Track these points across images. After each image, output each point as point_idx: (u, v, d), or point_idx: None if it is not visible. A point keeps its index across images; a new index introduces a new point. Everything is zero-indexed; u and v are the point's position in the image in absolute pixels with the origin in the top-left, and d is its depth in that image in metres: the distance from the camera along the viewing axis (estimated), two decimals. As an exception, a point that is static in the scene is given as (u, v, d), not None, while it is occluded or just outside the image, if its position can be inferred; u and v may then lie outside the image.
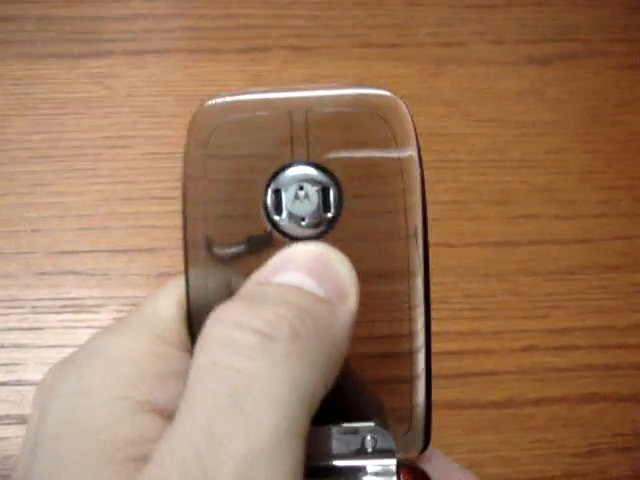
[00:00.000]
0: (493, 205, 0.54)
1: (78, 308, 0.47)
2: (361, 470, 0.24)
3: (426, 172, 0.55)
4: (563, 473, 0.45)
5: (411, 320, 0.24)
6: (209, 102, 0.24)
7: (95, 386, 0.23)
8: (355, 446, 0.24)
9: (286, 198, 0.23)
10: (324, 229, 0.23)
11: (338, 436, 0.24)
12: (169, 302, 0.25)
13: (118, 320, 0.26)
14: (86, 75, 0.57)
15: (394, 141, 0.23)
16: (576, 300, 0.50)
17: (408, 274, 0.24)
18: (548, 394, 0.47)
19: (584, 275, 0.52)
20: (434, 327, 0.48)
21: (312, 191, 0.23)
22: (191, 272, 0.24)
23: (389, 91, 0.23)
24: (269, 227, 0.24)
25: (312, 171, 0.23)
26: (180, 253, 0.49)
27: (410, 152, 0.23)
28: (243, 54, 0.60)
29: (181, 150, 0.53)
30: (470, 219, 0.53)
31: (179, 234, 0.50)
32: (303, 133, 0.23)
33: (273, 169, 0.23)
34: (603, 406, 0.47)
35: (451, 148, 0.57)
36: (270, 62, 0.60)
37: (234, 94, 0.24)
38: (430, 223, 0.52)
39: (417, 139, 0.23)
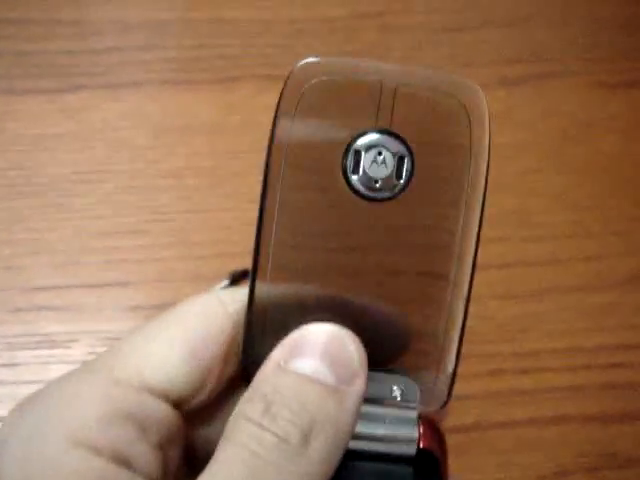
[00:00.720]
0: (462, 229, 0.55)
1: (53, 343, 0.48)
2: (383, 416, 0.26)
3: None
4: (530, 496, 0.46)
5: (456, 269, 0.27)
6: (305, 61, 0.26)
7: (47, 432, 0.24)
8: (381, 393, 0.26)
9: (365, 160, 0.25)
10: (393, 194, 0.25)
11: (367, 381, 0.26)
12: (132, 345, 0.27)
13: (84, 362, 0.28)
14: (60, 110, 0.58)
15: (469, 127, 0.25)
16: (544, 322, 0.51)
17: (459, 245, 0.26)
18: (515, 417, 0.48)
19: (552, 297, 0.52)
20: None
21: (389, 157, 0.25)
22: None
23: (475, 83, 0.26)
24: None
25: (392, 140, 0.25)
26: (151, 286, 0.50)
27: (481, 140, 0.25)
28: (216, 84, 0.61)
29: (154, 183, 0.54)
30: (439, 244, 0.54)
31: (152, 267, 0.51)
32: (390, 103, 0.25)
33: (357, 131, 0.25)
34: (570, 427, 0.48)
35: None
36: (243, 91, 0.61)
37: (330, 57, 0.26)
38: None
39: (489, 129, 0.25)
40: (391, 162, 0.25)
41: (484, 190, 0.25)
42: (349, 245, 0.26)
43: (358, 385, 0.25)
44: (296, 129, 0.25)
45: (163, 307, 0.49)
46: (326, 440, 0.23)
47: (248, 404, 0.24)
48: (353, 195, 0.25)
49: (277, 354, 0.25)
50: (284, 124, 0.25)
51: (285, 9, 0.66)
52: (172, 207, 0.54)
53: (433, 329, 0.27)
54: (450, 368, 0.27)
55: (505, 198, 0.57)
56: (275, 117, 0.25)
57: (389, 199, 0.25)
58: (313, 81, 0.25)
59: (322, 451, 0.23)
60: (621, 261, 0.54)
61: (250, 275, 0.26)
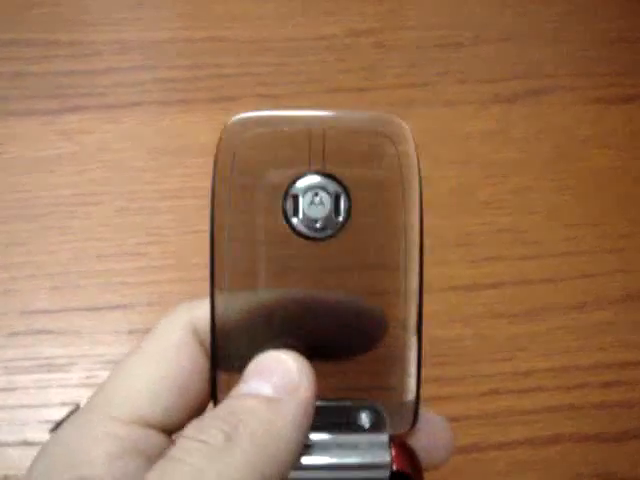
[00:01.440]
0: (457, 248, 0.55)
1: (50, 367, 0.49)
2: (354, 444, 0.27)
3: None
4: (527, 516, 0.46)
5: (405, 306, 0.27)
6: (237, 117, 0.27)
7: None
8: (349, 420, 0.27)
9: (303, 202, 0.26)
10: (334, 231, 0.26)
11: (333, 411, 0.27)
12: (123, 383, 0.28)
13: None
14: (58, 132, 0.59)
15: (397, 159, 0.26)
16: (540, 342, 0.51)
17: (404, 270, 0.27)
18: (511, 437, 0.48)
19: (548, 315, 0.53)
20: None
21: (326, 197, 0.26)
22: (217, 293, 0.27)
23: (398, 117, 0.27)
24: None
25: (327, 180, 0.26)
26: (149, 309, 0.50)
27: (410, 170, 0.27)
28: (213, 104, 0.61)
29: (152, 204, 0.54)
30: (434, 264, 0.54)
31: (150, 290, 0.52)
32: (320, 147, 0.26)
33: (293, 176, 0.27)
34: (566, 447, 0.48)
35: (418, 191, 0.58)
36: (240, 110, 0.61)
37: (258, 111, 0.27)
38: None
39: (418, 161, 0.27)
40: (328, 202, 0.26)
41: (420, 216, 0.27)
42: (295, 283, 0.27)
43: (300, 394, 0.25)
44: (235, 181, 0.26)
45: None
46: (252, 441, 0.23)
47: (186, 428, 0.25)
48: (296, 236, 0.26)
49: (235, 388, 0.26)
50: (223, 176, 0.26)
51: (281, 28, 0.66)
52: (170, 229, 0.55)
53: (391, 355, 0.28)
54: (413, 390, 0.27)
55: (500, 216, 0.57)
56: (214, 172, 0.26)
57: (331, 237, 0.27)
58: (246, 134, 0.26)
59: (248, 452, 0.23)
60: (616, 279, 0.54)
61: (209, 293, 0.27)
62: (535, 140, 0.61)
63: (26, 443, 0.46)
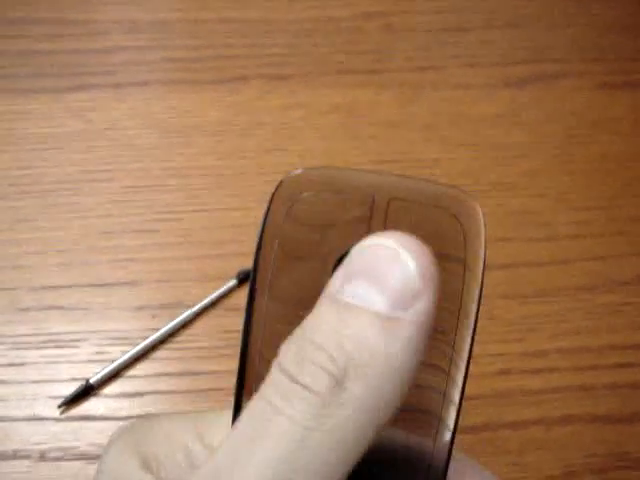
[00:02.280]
0: (469, 229, 0.55)
1: (59, 343, 0.48)
2: None
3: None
4: (539, 495, 0.46)
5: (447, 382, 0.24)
6: (295, 172, 0.24)
7: None
8: None
9: None
10: None
11: None
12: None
13: None
14: (67, 109, 0.58)
15: (463, 242, 0.23)
16: (551, 322, 0.51)
17: (451, 359, 0.23)
18: (524, 417, 0.48)
19: (559, 297, 0.52)
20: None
21: None
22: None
23: (470, 195, 0.24)
24: None
25: None
26: (157, 285, 0.50)
27: (476, 256, 0.24)
28: (221, 84, 0.61)
29: (160, 182, 0.54)
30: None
31: (158, 266, 0.51)
32: (382, 216, 0.24)
33: (351, 244, 0.23)
34: (578, 427, 0.48)
35: (428, 173, 0.58)
36: (247, 91, 0.61)
37: (320, 168, 0.24)
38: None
39: (485, 245, 0.24)
40: None
41: (477, 307, 0.24)
42: None
43: (422, 304, 0.20)
44: (285, 242, 0.24)
45: (169, 306, 0.49)
46: (367, 384, 0.19)
47: (282, 349, 0.21)
48: None
49: (328, 286, 0.22)
50: (271, 235, 0.24)
51: (291, 9, 0.66)
52: (178, 206, 0.54)
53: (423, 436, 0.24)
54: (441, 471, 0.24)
55: (511, 199, 0.57)
56: (262, 232, 0.24)
57: None
58: (303, 195, 0.24)
59: (362, 401, 0.19)
60: (628, 261, 0.54)
61: (235, 389, 0.24)
62: (545, 124, 0.61)
63: (35, 418, 0.46)
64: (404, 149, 0.59)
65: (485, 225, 0.24)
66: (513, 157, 0.59)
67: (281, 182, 0.24)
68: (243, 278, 0.51)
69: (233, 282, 0.51)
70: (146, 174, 0.56)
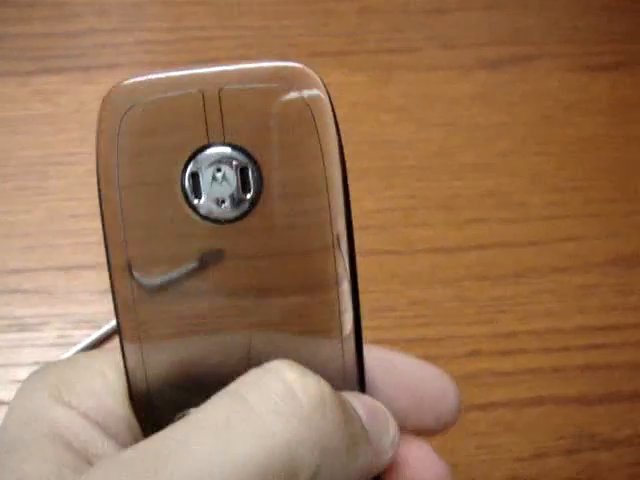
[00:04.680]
0: (441, 210, 0.54)
1: (23, 327, 0.48)
2: None
3: (374, 179, 0.55)
4: (508, 478, 0.46)
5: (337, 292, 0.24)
6: (120, 83, 0.23)
7: None
8: None
9: (204, 181, 0.23)
10: (246, 209, 0.23)
11: None
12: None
13: None
14: (35, 92, 0.58)
15: (312, 117, 0.22)
16: (523, 304, 0.51)
17: (332, 250, 0.23)
18: (493, 399, 0.47)
19: (532, 278, 0.52)
20: (381, 336, 0.48)
21: (230, 172, 0.23)
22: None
23: (305, 65, 0.23)
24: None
25: (228, 151, 0.23)
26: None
27: (327, 126, 0.23)
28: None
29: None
30: (418, 225, 0.53)
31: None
32: (217, 112, 0.22)
33: (188, 152, 0.23)
34: (548, 409, 0.47)
35: (401, 154, 0.57)
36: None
37: (143, 75, 0.23)
38: (377, 230, 0.52)
39: (334, 111, 0.23)
40: (233, 177, 0.23)
41: (342, 166, 0.23)
42: (215, 279, 0.24)
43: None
44: (122, 160, 0.23)
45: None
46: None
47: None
48: (202, 221, 0.23)
49: None
50: (107, 159, 0.23)
51: (263, -10, 0.65)
52: (147, 189, 0.54)
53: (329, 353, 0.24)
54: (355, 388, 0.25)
55: (484, 179, 0.56)
56: (97, 155, 0.23)
57: (243, 215, 0.23)
58: (129, 106, 0.22)
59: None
60: (600, 243, 0.54)
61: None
62: (521, 105, 0.61)
63: (-3, 402, 0.45)
64: (376, 130, 0.58)
65: (330, 97, 0.23)
66: (488, 138, 0.58)
67: (105, 98, 0.23)
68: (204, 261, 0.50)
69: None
70: (114, 157, 0.55)
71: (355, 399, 0.24)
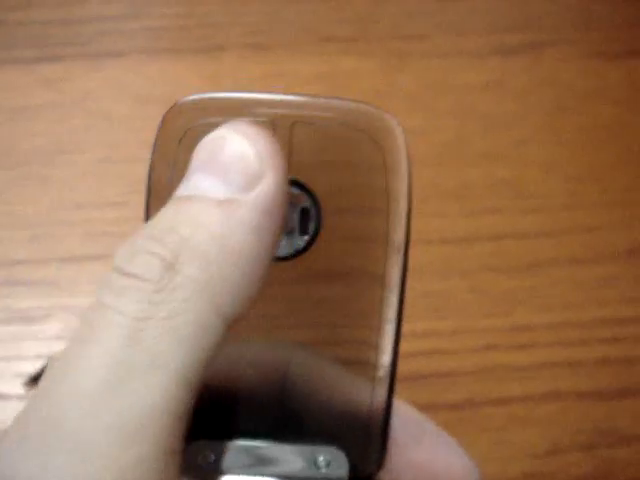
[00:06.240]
0: (455, 200, 0.53)
1: (27, 319, 0.47)
2: None
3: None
4: (524, 474, 0.44)
5: (379, 334, 0.22)
6: (185, 99, 0.22)
7: None
8: (307, 466, 0.23)
9: None
10: (300, 249, 0.22)
11: (290, 454, 0.23)
12: None
13: None
14: (40, 80, 0.57)
15: (383, 164, 0.21)
16: (539, 296, 0.49)
17: (383, 288, 0.22)
18: (508, 393, 0.46)
19: (548, 270, 0.51)
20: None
21: (291, 211, 0.21)
22: None
23: (384, 111, 0.22)
24: None
25: (293, 190, 0.21)
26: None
27: (399, 181, 0.22)
28: (201, 53, 0.59)
29: (136, 153, 0.52)
30: (431, 215, 0.52)
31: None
32: (285, 143, 0.21)
33: None
34: (564, 404, 0.46)
35: (413, 143, 0.55)
36: (228, 60, 0.59)
37: (206, 93, 0.22)
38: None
39: (409, 166, 0.22)
40: (293, 216, 0.22)
41: (407, 224, 0.22)
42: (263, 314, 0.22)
43: (264, 186, 0.19)
44: (175, 178, 0.21)
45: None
46: (203, 265, 0.18)
47: (117, 250, 0.20)
48: None
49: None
50: (161, 173, 0.22)
51: (272, -24, 0.64)
52: (154, 179, 0.53)
53: (358, 398, 0.23)
54: (379, 432, 0.23)
55: (499, 168, 0.55)
56: (150, 167, 0.22)
57: (298, 254, 0.22)
58: (192, 124, 0.22)
59: (198, 280, 0.18)
60: (618, 233, 0.52)
61: None
62: (536, 93, 0.59)
63: (0, 396, 0.44)
64: (388, 119, 0.57)
65: (406, 143, 0.21)
66: (502, 126, 0.57)
67: (171, 109, 0.22)
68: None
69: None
70: (121, 145, 0.54)
71: None
